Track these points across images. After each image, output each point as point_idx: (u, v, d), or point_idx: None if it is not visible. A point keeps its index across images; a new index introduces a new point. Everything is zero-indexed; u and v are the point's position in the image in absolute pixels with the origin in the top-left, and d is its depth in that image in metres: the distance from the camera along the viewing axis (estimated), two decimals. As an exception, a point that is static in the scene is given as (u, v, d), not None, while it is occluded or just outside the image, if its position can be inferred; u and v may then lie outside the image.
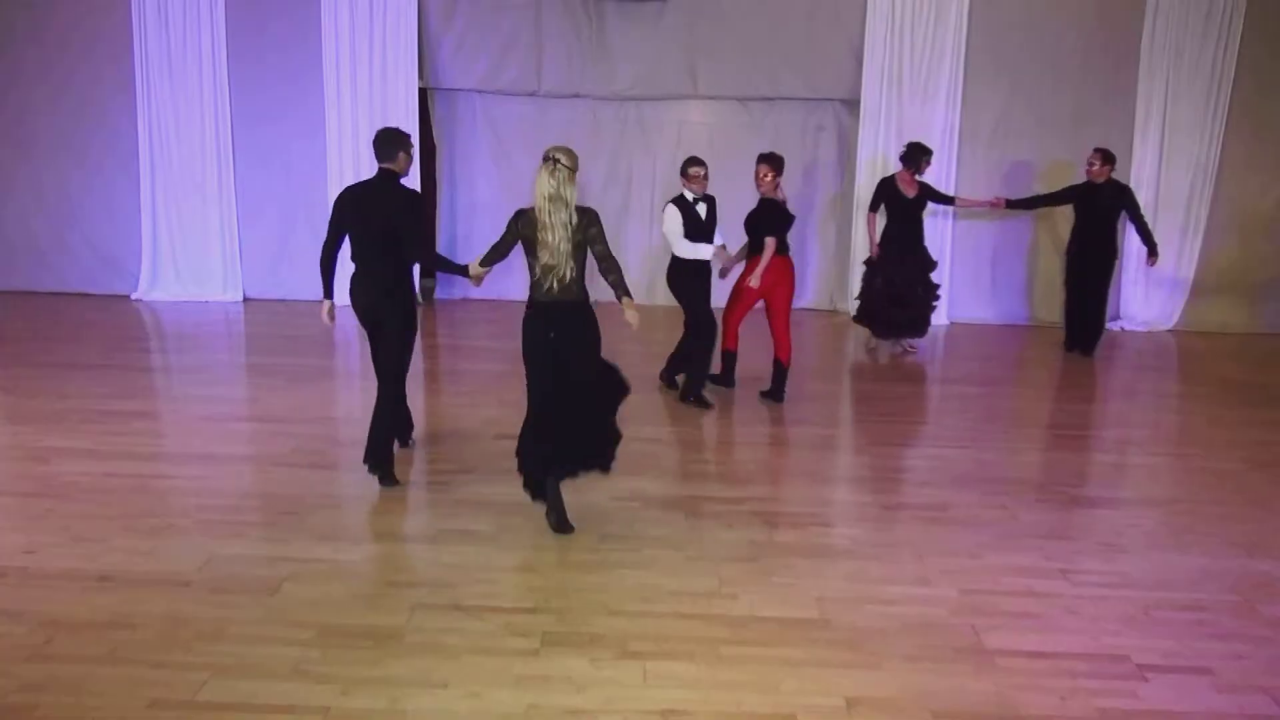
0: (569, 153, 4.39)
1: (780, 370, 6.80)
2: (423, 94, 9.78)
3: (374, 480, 5.05)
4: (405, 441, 5.64)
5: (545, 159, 4.36)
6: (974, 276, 9.84)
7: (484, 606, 3.75)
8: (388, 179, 5.09)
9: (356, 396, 7.07)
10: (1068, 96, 9.50)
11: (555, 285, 4.37)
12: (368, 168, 9.44)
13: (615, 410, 4.62)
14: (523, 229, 4.42)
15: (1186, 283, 9.72)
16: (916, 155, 8.09)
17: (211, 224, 9.82)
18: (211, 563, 4.07)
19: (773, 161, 6.67)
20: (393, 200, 4.99)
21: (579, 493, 4.94)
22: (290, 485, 4.98)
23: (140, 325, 8.99)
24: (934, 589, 4.02)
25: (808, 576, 4.10)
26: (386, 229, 4.95)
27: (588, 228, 4.45)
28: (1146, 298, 9.75)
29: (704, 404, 6.61)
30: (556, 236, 4.33)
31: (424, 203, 5.52)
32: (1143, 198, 9.49)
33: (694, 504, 4.87)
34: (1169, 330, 9.73)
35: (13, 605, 3.68)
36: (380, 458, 5.05)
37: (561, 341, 4.45)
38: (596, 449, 4.57)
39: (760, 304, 6.70)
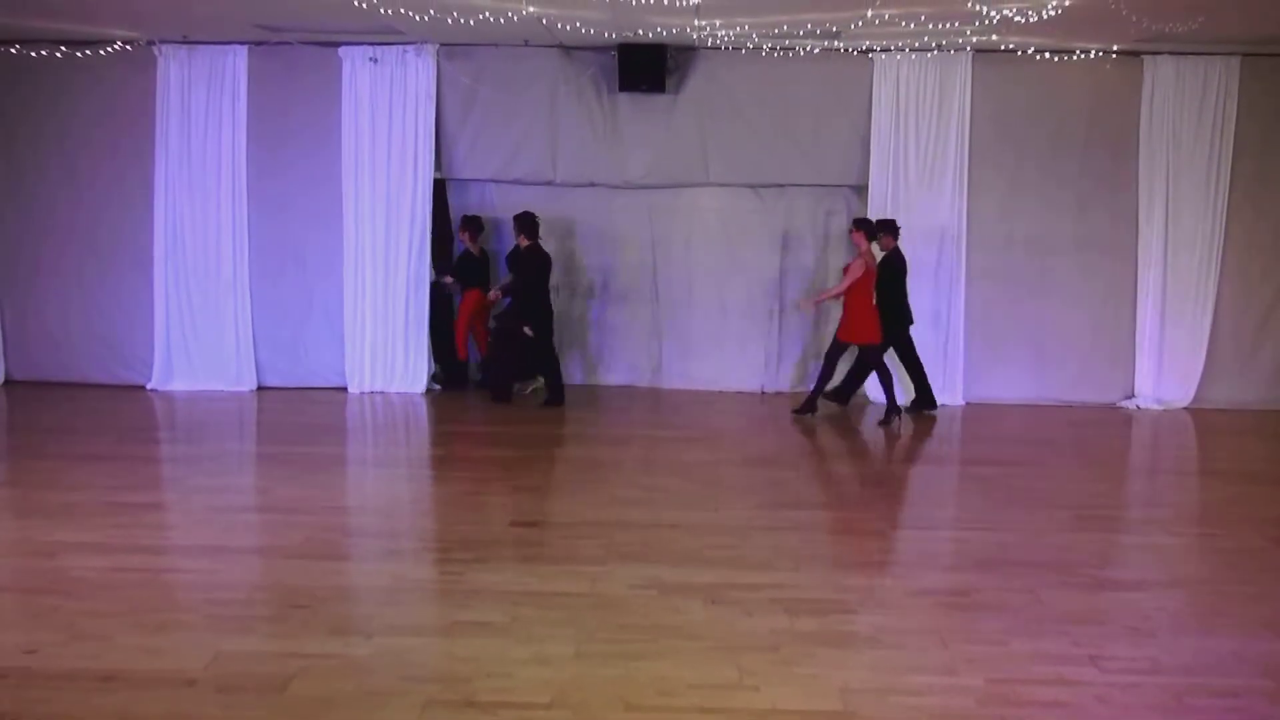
0: None
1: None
2: (440, 184, 9.96)
3: (386, 571, 5.02)
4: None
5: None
6: (990, 354, 9.81)
7: (498, 702, 3.66)
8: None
9: (369, 485, 7.03)
10: (1071, 180, 9.59)
11: None
12: (384, 259, 9.75)
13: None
14: None
15: (1200, 360, 9.67)
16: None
17: (226, 314, 9.88)
18: (218, 660, 3.99)
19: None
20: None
21: (594, 581, 4.87)
22: (301, 577, 4.91)
23: (153, 416, 9.00)
24: (961, 678, 3.91)
25: (831, 666, 3.99)
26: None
27: None
28: (1160, 376, 9.70)
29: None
30: None
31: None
32: (1151, 276, 9.55)
33: (712, 591, 4.77)
34: (1185, 408, 9.64)
35: (12, 708, 3.58)
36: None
37: None
38: None
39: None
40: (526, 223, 9.12)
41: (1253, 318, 9.69)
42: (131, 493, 6.36)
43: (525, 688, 3.78)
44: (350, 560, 5.26)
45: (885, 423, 8.77)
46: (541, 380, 9.57)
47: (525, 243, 9.11)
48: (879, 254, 8.99)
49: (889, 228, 8.94)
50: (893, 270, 8.97)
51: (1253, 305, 9.68)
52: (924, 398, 9.32)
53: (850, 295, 8.65)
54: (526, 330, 9.11)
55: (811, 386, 9.18)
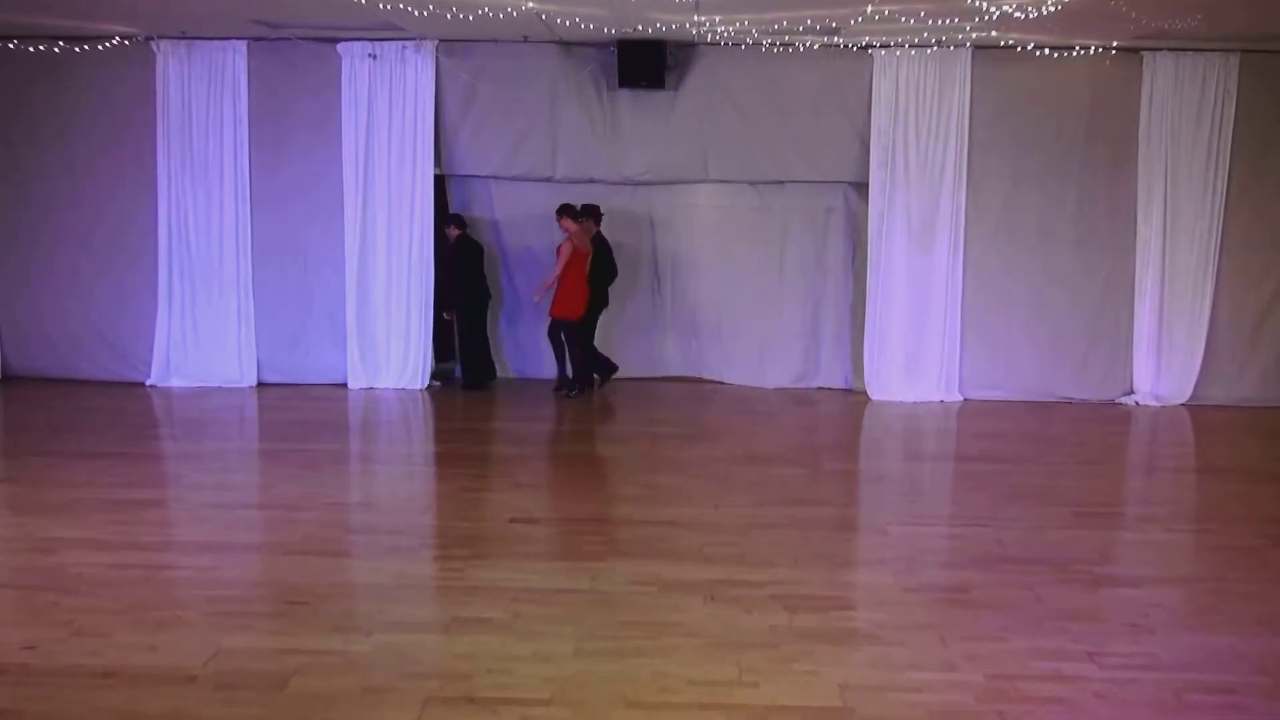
0: None
1: None
2: (440, 180, 9.97)
3: (386, 567, 5.01)
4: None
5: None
6: (988, 351, 9.81)
7: (498, 699, 3.66)
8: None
9: (370, 482, 7.04)
10: (1069, 177, 9.57)
11: None
12: (385, 256, 9.76)
13: None
14: None
15: (1198, 357, 9.67)
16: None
17: (228, 310, 9.86)
18: (218, 657, 3.99)
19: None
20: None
21: (594, 578, 4.87)
22: (301, 574, 4.91)
23: (152, 412, 8.99)
24: (960, 674, 3.92)
25: (830, 663, 4.00)
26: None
27: None
28: (1159, 373, 9.70)
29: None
30: None
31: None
32: (1149, 272, 9.55)
33: (712, 588, 4.78)
34: (1183, 405, 9.65)
35: (11, 704, 3.59)
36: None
37: None
38: None
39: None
40: (454, 217, 9.90)
41: (1251, 315, 9.68)
42: (131, 489, 6.36)
43: (525, 684, 3.79)
44: (350, 557, 5.27)
45: (565, 392, 9.55)
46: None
47: (456, 233, 9.76)
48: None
49: (595, 213, 9.58)
50: (597, 254, 9.55)
51: (1251, 302, 9.67)
52: (603, 365, 9.97)
53: (564, 274, 9.26)
54: (445, 315, 9.89)
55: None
